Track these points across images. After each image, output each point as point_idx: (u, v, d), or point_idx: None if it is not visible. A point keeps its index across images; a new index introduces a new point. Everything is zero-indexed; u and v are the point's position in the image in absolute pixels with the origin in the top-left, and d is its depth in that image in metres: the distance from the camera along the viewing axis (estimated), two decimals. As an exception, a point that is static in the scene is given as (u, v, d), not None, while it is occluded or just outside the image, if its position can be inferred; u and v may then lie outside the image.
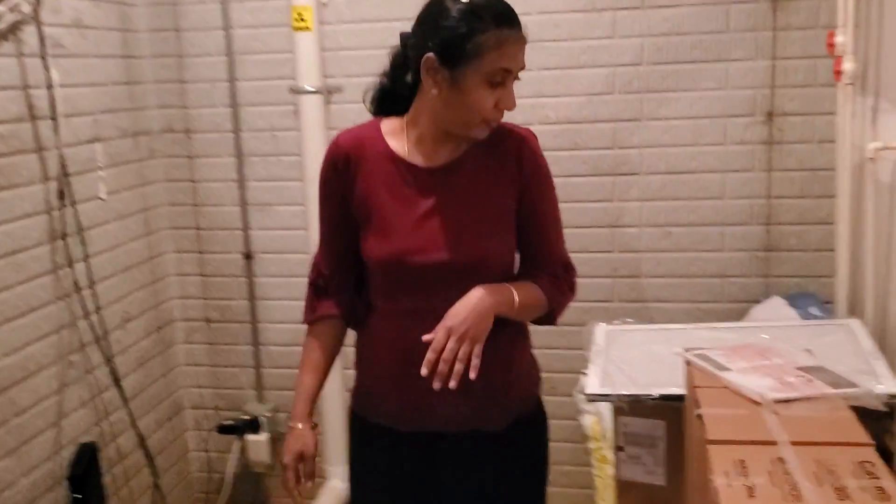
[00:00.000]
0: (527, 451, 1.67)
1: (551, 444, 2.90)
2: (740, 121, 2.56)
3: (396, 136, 1.56)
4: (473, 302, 1.47)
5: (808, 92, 2.52)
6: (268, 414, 2.92)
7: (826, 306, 2.42)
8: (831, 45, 2.14)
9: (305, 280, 1.70)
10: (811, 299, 2.45)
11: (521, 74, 1.50)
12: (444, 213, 1.51)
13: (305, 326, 1.70)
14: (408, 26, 1.53)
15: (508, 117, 1.54)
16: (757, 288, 2.65)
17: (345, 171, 1.56)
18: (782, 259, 2.63)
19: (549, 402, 2.87)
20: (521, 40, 1.47)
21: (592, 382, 1.91)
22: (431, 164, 1.54)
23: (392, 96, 1.59)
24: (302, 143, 2.69)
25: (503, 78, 1.46)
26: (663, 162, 2.62)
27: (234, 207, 2.92)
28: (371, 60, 1.73)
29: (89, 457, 2.16)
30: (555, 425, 2.92)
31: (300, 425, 1.65)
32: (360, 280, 1.63)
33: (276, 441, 2.94)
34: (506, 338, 1.56)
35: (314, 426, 1.67)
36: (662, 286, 2.70)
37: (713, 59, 2.56)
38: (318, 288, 1.66)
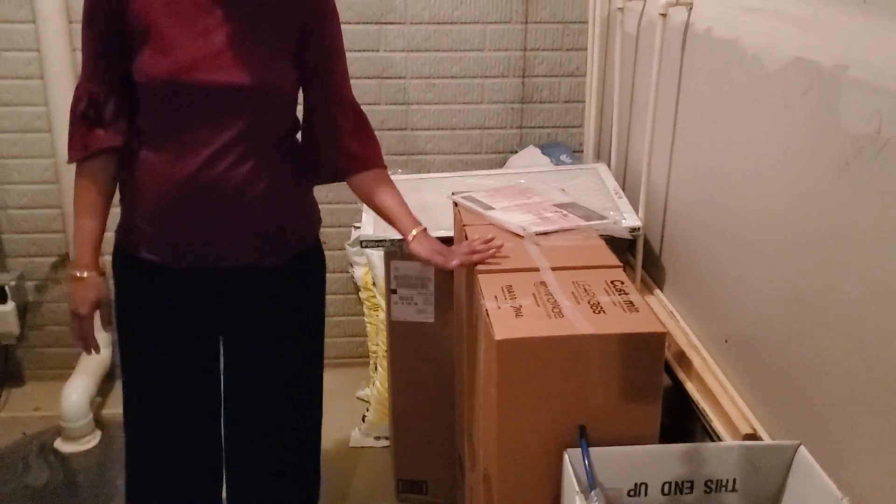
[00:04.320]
0: (304, 286, 1.67)
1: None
2: (500, -28, 2.60)
3: None
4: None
5: (563, -56, 2.60)
6: (13, 282, 2.68)
7: (575, 155, 2.60)
8: None
9: (67, 120, 1.51)
10: (561, 148, 2.63)
11: None
12: (229, 32, 1.42)
13: (74, 171, 1.54)
14: None
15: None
16: (513, 139, 2.79)
17: None
18: (536, 111, 2.77)
19: (319, 255, 2.92)
20: None
21: (366, 230, 1.95)
22: None
23: None
24: None
25: None
26: (427, 11, 2.62)
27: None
28: None
29: None
30: (327, 278, 2.98)
31: (88, 274, 1.55)
32: (134, 109, 1.50)
33: (26, 311, 2.73)
34: (282, 179, 1.54)
35: (102, 273, 1.57)
36: (428, 138, 2.76)
37: None
38: (89, 118, 1.49)
